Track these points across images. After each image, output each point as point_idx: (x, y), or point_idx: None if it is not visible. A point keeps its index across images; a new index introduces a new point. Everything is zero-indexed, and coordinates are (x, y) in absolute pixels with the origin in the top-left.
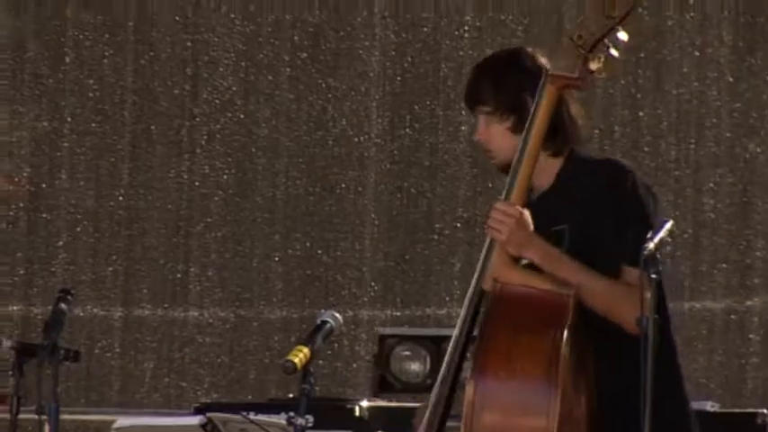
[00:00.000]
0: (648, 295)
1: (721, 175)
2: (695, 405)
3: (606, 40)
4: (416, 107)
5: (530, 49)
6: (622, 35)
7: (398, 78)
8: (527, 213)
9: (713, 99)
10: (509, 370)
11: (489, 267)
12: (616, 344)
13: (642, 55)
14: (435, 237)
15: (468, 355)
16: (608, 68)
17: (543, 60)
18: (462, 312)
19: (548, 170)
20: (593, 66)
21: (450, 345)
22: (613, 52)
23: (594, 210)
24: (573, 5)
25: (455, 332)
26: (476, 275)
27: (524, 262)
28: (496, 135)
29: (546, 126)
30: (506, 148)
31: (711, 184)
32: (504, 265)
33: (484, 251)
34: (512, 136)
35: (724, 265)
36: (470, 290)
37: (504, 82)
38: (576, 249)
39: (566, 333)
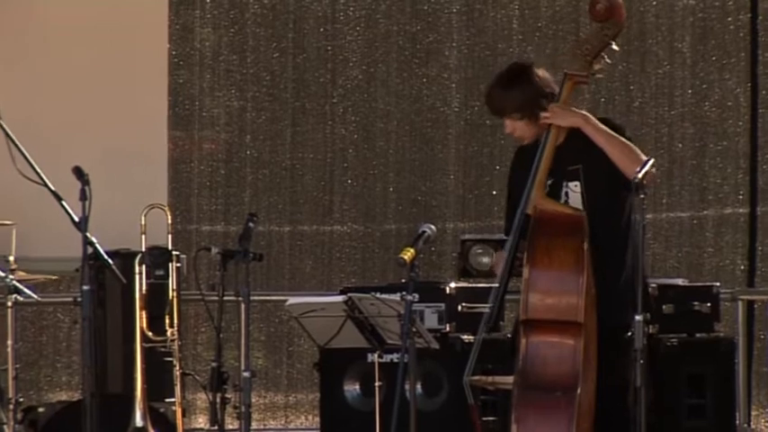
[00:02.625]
0: (638, 216)
1: (686, 127)
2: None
3: (604, 51)
4: (481, 86)
5: (530, 65)
6: (614, 46)
7: (469, 68)
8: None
9: (679, 76)
10: (550, 262)
11: (531, 200)
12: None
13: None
14: (495, 171)
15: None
16: (603, 69)
17: (540, 72)
18: (514, 226)
19: (560, 133)
20: (596, 67)
21: (508, 244)
22: (607, 59)
23: (602, 152)
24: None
25: (510, 238)
26: (521, 204)
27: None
28: (524, 129)
29: (567, 103)
30: (531, 134)
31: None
32: (540, 197)
33: (526, 190)
34: (529, 126)
35: (687, 187)
36: (518, 212)
37: (523, 94)
38: (589, 181)
39: (585, 237)
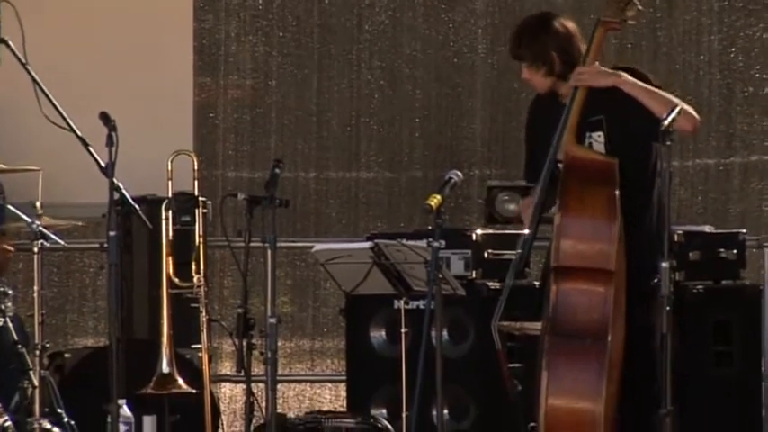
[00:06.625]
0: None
1: (713, 73)
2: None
3: None
4: (508, 32)
5: (554, 16)
6: None
7: (495, 14)
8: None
9: (706, 23)
10: (582, 209)
11: (562, 145)
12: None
13: None
14: (522, 117)
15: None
16: (636, 16)
17: (567, 22)
18: (543, 172)
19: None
20: (628, 14)
21: (536, 191)
22: (639, 6)
23: (625, 102)
24: None
25: (540, 184)
26: (552, 149)
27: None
28: (534, 78)
29: (599, 50)
30: (543, 85)
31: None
32: (571, 143)
33: (557, 135)
34: (545, 78)
35: (714, 134)
36: (549, 158)
37: (535, 43)
38: (613, 131)
39: (617, 184)
